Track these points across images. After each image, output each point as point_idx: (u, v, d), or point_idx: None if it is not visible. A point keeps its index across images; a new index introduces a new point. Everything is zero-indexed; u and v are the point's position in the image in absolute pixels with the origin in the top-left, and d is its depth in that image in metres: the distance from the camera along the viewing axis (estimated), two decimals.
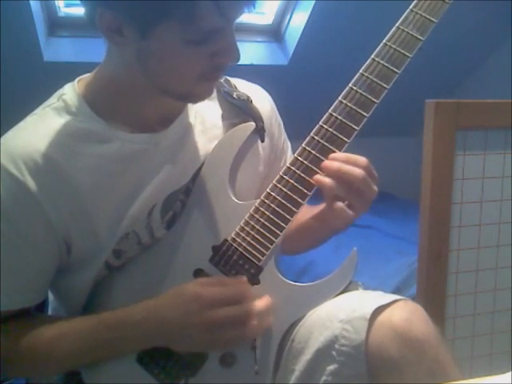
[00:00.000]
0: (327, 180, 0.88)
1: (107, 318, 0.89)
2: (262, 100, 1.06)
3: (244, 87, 1.05)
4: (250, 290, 0.89)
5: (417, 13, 0.89)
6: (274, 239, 0.90)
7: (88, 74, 0.95)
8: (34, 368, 0.93)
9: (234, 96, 1.01)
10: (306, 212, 1.02)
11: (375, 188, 0.90)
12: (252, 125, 0.97)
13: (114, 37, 0.83)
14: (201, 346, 0.89)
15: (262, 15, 2.64)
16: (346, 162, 0.88)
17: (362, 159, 0.89)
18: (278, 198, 0.91)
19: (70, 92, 0.92)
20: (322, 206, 0.96)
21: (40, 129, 0.89)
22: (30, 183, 0.85)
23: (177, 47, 0.82)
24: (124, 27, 0.81)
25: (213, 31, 0.81)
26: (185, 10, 0.78)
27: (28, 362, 0.91)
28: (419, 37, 0.89)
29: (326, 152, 0.90)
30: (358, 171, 0.88)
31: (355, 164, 0.88)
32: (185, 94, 0.89)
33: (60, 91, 0.94)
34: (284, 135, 1.11)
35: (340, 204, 0.89)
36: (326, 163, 0.89)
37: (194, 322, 0.85)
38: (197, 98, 0.91)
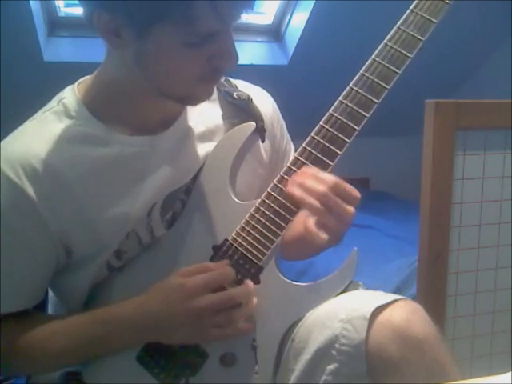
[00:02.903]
0: (298, 192, 0.87)
1: (100, 314, 0.90)
2: (265, 102, 1.06)
3: (246, 89, 1.05)
4: (232, 273, 0.89)
5: (417, 13, 0.89)
6: (274, 239, 0.90)
7: (88, 77, 0.95)
8: (32, 365, 0.94)
9: (235, 96, 1.01)
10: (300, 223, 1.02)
11: (347, 208, 0.86)
12: (252, 125, 0.97)
13: (112, 38, 0.83)
14: (190, 336, 0.89)
15: (262, 15, 2.64)
16: (312, 177, 0.87)
17: (329, 178, 0.86)
18: (279, 198, 0.91)
19: (69, 95, 0.92)
20: None
21: (39, 134, 0.89)
22: (28, 189, 0.86)
23: (174, 49, 0.82)
24: (121, 29, 0.81)
25: (210, 34, 0.81)
26: (181, 12, 0.77)
27: (26, 360, 0.92)
28: (420, 37, 0.89)
29: (326, 152, 0.90)
30: (320, 187, 0.85)
31: (320, 181, 0.86)
32: (183, 96, 0.89)
33: (60, 94, 0.94)
34: (287, 137, 1.11)
35: (310, 223, 0.87)
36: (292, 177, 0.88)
37: (181, 313, 0.86)
38: (196, 100, 0.91)
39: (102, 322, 0.89)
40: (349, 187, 0.87)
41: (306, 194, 0.86)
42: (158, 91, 0.88)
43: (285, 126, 1.11)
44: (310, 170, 0.89)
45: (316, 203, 0.86)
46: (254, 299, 0.89)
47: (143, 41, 0.81)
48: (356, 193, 0.87)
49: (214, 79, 0.90)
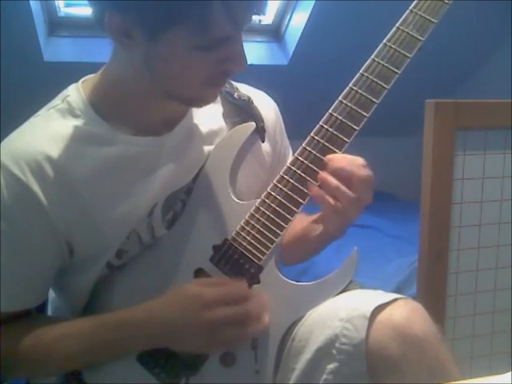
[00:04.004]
0: (331, 178, 0.88)
1: (108, 318, 0.90)
2: (267, 105, 1.06)
3: (249, 92, 1.05)
4: (248, 290, 0.89)
5: (416, 13, 0.89)
6: (274, 239, 0.91)
7: (92, 75, 0.95)
8: (35, 369, 0.94)
9: (235, 96, 1.01)
10: (304, 220, 1.03)
11: (366, 193, 0.90)
12: (252, 125, 0.98)
13: (123, 39, 0.83)
14: (201, 346, 0.89)
15: (262, 15, 2.64)
16: (346, 161, 0.89)
17: (360, 159, 0.89)
18: (279, 197, 0.91)
19: (74, 94, 0.92)
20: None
21: (43, 130, 0.89)
22: (33, 185, 0.85)
23: (185, 52, 0.82)
24: (133, 30, 0.81)
25: (222, 38, 0.81)
26: (196, 16, 0.77)
27: (29, 363, 0.91)
28: (419, 37, 0.89)
29: (326, 152, 0.90)
30: (365, 171, 0.88)
31: (355, 164, 0.89)
32: (190, 98, 0.89)
33: (64, 92, 0.93)
34: (286, 142, 1.11)
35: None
36: (330, 158, 0.89)
37: (194, 322, 0.86)
38: (202, 102, 0.91)
39: (112, 327, 0.89)
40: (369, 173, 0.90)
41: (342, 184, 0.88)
42: (165, 92, 0.89)
43: (285, 132, 1.11)
44: (340, 155, 0.90)
45: (351, 194, 0.87)
46: (267, 316, 0.89)
47: (154, 43, 0.81)
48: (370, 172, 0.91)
49: (221, 82, 0.90)
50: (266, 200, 0.92)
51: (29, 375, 0.99)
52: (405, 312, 0.85)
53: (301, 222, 1.04)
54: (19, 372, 0.95)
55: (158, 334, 0.88)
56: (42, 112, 0.93)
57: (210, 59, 0.83)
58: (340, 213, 0.89)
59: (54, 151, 0.87)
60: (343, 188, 0.88)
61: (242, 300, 0.88)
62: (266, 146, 1.04)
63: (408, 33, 0.89)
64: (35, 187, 0.86)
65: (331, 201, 0.88)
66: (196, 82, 0.86)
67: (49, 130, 0.89)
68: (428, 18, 0.89)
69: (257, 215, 0.92)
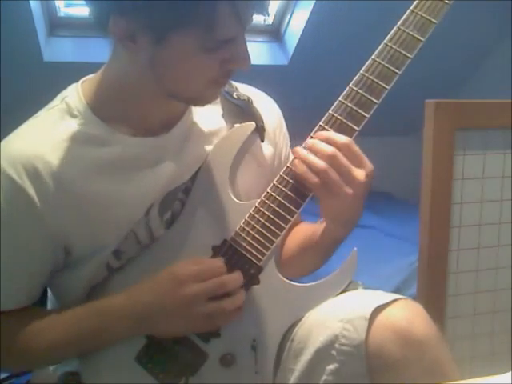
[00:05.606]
0: (302, 154, 0.89)
1: (94, 305, 0.91)
2: (268, 108, 1.06)
3: (250, 93, 1.05)
4: (224, 267, 0.89)
5: (417, 13, 0.89)
6: (274, 239, 0.91)
7: (92, 76, 0.95)
8: (30, 359, 0.95)
9: (235, 96, 1.01)
10: (310, 227, 1.03)
11: (356, 171, 0.88)
12: (252, 124, 0.98)
13: (127, 43, 0.83)
14: (180, 325, 0.89)
15: (266, 15, 2.64)
16: (325, 140, 0.88)
17: (341, 138, 0.88)
18: (279, 198, 0.91)
19: (73, 94, 0.92)
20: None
21: (41, 133, 0.89)
22: (29, 188, 0.86)
23: (190, 54, 0.82)
24: (138, 34, 0.81)
25: (229, 39, 0.82)
26: (204, 18, 0.78)
27: (23, 354, 0.93)
28: (420, 37, 0.89)
29: None
30: (329, 149, 0.87)
31: (331, 142, 0.87)
32: (193, 98, 0.90)
33: (64, 93, 0.94)
34: (288, 149, 1.11)
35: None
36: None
37: (170, 301, 0.86)
38: (204, 101, 0.92)
39: (96, 313, 0.90)
40: (360, 153, 0.88)
41: (314, 155, 0.87)
42: (167, 93, 0.89)
43: (288, 138, 1.10)
44: (324, 132, 0.89)
45: (321, 163, 0.86)
46: (243, 291, 0.89)
47: (160, 46, 0.81)
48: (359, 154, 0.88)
49: (224, 81, 0.91)
50: (266, 201, 0.92)
51: (24, 366, 1.01)
52: (405, 313, 0.85)
53: (307, 229, 1.04)
54: (15, 363, 0.98)
55: (138, 319, 0.89)
56: (42, 113, 0.93)
57: (214, 60, 0.84)
58: (328, 190, 0.87)
59: (51, 154, 0.87)
60: (312, 158, 0.87)
61: (216, 275, 0.88)
62: (266, 147, 1.03)
63: (409, 33, 0.89)
64: (31, 190, 0.86)
65: (310, 176, 0.88)
66: (200, 83, 0.86)
67: (46, 132, 0.89)
68: (429, 18, 0.89)
69: (257, 216, 0.92)
